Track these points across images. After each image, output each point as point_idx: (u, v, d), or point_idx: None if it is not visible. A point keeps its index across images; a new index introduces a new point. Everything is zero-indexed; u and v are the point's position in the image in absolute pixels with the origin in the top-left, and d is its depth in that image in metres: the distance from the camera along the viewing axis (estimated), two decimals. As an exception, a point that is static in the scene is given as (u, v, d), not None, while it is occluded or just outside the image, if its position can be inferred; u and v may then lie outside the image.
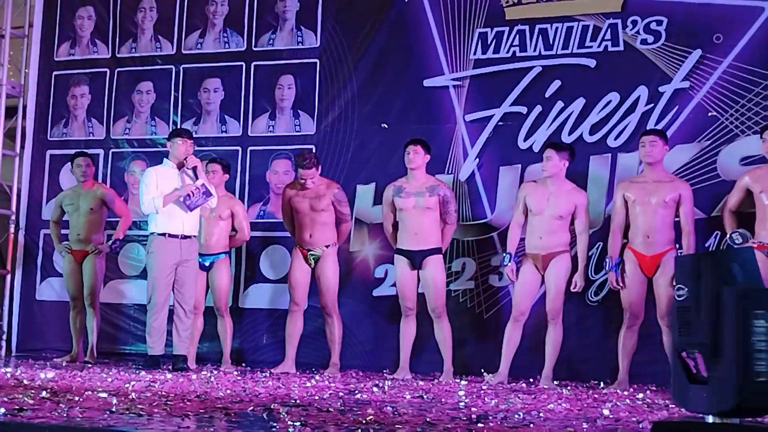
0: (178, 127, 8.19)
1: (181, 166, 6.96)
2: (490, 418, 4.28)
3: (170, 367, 6.82)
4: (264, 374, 6.75)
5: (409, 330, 6.93)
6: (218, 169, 7.33)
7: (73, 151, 8.34)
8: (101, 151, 8.47)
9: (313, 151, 7.43)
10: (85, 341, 7.78)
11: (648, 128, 6.79)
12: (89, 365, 7.27)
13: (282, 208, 7.33)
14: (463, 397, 5.30)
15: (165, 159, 7.12)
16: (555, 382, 6.46)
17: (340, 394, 5.34)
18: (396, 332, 7.14)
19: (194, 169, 6.92)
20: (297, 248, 7.17)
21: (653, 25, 7.07)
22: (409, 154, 6.90)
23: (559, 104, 7.26)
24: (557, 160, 6.56)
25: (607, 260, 6.51)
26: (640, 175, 6.59)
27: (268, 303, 7.81)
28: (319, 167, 7.13)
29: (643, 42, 7.09)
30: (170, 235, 6.89)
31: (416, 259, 6.83)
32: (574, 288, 6.57)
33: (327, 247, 7.09)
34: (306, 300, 7.19)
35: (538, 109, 7.30)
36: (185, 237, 6.93)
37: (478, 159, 7.43)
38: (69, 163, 7.99)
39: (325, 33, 8.00)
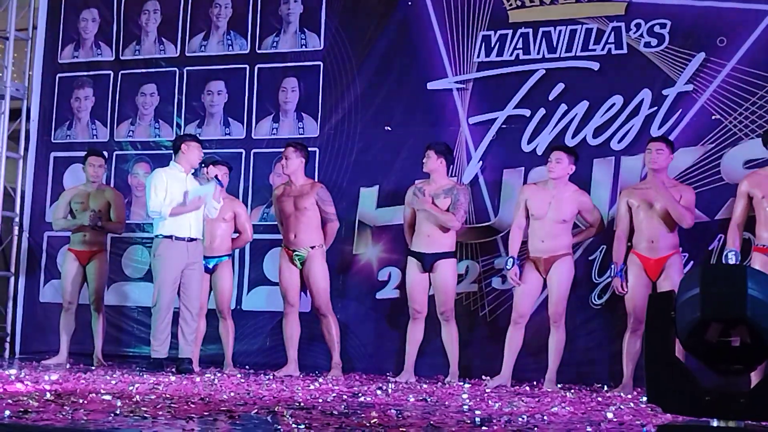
0: (182, 130, 8.23)
1: (189, 171, 6.99)
2: (494, 421, 4.28)
3: (174, 370, 6.83)
4: (267, 377, 6.75)
5: (416, 333, 6.93)
6: (227, 171, 7.30)
7: (77, 154, 8.37)
8: (105, 154, 8.45)
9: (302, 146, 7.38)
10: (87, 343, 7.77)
11: (654, 134, 6.80)
12: (93, 368, 7.26)
13: (274, 210, 7.37)
14: (467, 400, 5.30)
15: (172, 162, 7.13)
16: (558, 386, 6.46)
17: (344, 396, 5.35)
18: (399, 335, 7.16)
19: (216, 177, 6.95)
20: (283, 249, 7.18)
21: (657, 28, 7.07)
22: (424, 159, 6.91)
23: (563, 107, 7.25)
24: (567, 163, 6.56)
25: (612, 266, 6.51)
26: (643, 182, 6.60)
27: (271, 305, 7.80)
28: (303, 161, 7.16)
29: (647, 45, 7.08)
30: (177, 238, 6.91)
31: (427, 262, 6.83)
32: None
33: (312, 248, 7.08)
34: (299, 299, 7.20)
35: (542, 111, 7.30)
36: (191, 240, 6.94)
37: (481, 162, 7.43)
38: (82, 161, 7.89)
39: (328, 36, 8.00)
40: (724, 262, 6.32)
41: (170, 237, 6.91)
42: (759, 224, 6.17)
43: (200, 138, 7.55)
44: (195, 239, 6.97)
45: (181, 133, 8.10)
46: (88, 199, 7.79)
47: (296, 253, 7.08)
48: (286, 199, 7.14)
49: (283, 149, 7.24)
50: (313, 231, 7.11)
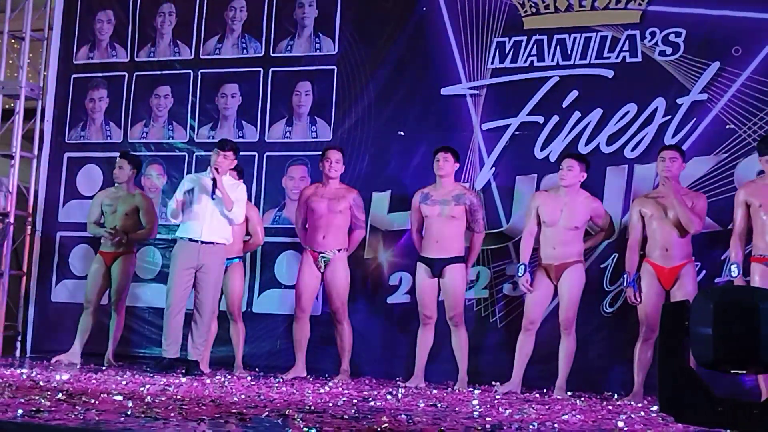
0: (196, 132, 8.28)
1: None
2: (505, 428, 4.27)
3: (184, 371, 6.84)
4: (277, 380, 6.76)
5: (427, 338, 6.92)
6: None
7: (90, 154, 8.43)
8: (118, 155, 8.47)
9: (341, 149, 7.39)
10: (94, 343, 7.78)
11: (667, 143, 6.78)
12: (104, 368, 7.27)
13: (297, 210, 7.36)
14: (477, 407, 5.30)
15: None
16: (569, 393, 6.45)
17: (354, 401, 5.35)
18: (409, 340, 7.15)
19: (214, 181, 6.90)
20: (307, 251, 7.17)
21: (672, 37, 7.06)
22: (438, 161, 6.91)
23: (576, 114, 7.25)
24: (578, 171, 6.56)
25: (624, 276, 6.50)
26: (655, 191, 6.58)
27: (282, 308, 7.82)
28: (343, 167, 7.20)
29: (662, 53, 7.07)
30: (191, 240, 6.95)
31: (437, 267, 6.83)
32: None
33: (339, 251, 7.10)
34: (311, 306, 7.22)
35: (555, 119, 7.29)
36: (205, 243, 6.94)
37: (494, 168, 7.43)
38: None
39: (343, 40, 8.02)
40: (726, 275, 6.32)
41: (184, 239, 6.96)
42: (756, 234, 6.14)
43: (212, 140, 7.57)
44: (210, 242, 6.95)
45: (195, 136, 8.19)
46: (117, 202, 7.80)
47: (322, 255, 7.10)
48: (319, 199, 7.15)
49: (327, 151, 7.19)
50: (342, 235, 7.14)
